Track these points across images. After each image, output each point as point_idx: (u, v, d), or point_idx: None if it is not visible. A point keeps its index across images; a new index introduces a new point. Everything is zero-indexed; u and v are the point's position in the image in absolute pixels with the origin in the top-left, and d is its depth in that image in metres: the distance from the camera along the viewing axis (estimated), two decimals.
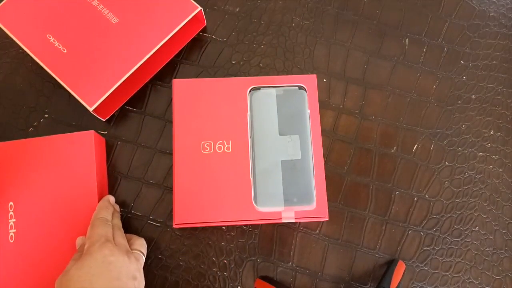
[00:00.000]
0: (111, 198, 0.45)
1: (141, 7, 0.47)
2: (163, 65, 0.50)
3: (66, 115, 0.49)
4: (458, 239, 0.48)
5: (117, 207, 0.45)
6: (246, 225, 0.46)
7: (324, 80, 0.51)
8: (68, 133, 0.45)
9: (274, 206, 0.42)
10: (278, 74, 0.51)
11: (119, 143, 0.49)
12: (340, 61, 0.52)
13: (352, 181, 0.49)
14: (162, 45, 0.46)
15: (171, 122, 0.49)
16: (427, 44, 0.53)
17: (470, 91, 0.52)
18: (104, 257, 0.35)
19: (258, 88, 0.46)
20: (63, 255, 0.42)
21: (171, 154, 0.48)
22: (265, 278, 0.45)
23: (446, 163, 0.50)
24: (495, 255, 0.48)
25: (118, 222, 0.42)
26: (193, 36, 0.52)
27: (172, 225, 0.44)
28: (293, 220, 0.42)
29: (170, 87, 0.50)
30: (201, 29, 0.52)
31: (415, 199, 0.48)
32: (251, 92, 0.46)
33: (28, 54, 0.45)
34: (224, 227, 0.47)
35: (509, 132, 0.51)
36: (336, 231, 0.47)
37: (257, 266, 0.46)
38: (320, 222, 0.47)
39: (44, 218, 0.43)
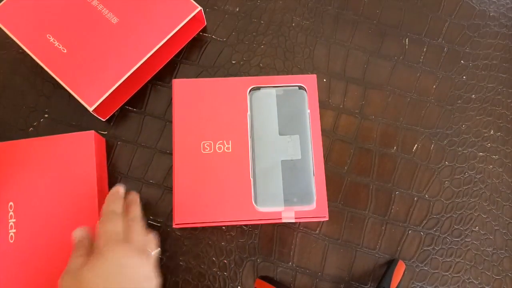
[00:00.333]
0: (120, 189, 0.42)
1: (141, 7, 0.47)
2: (163, 65, 0.51)
3: (66, 115, 0.49)
4: (458, 239, 0.48)
5: (136, 196, 0.43)
6: (246, 225, 0.46)
7: (324, 80, 0.51)
8: (68, 133, 0.45)
9: (274, 206, 0.42)
10: (278, 74, 0.51)
11: (119, 143, 0.49)
12: (340, 61, 0.52)
13: (352, 181, 0.49)
14: (162, 45, 0.46)
15: (171, 122, 0.49)
16: (427, 44, 0.53)
17: (470, 91, 0.52)
18: (118, 259, 0.34)
19: (258, 88, 0.46)
20: (63, 255, 0.42)
21: (171, 154, 0.48)
22: (265, 278, 0.45)
23: (446, 163, 0.50)
24: (495, 255, 0.48)
25: (136, 214, 0.40)
26: (193, 36, 0.52)
27: (172, 225, 0.44)
28: (293, 220, 0.42)
29: (170, 87, 0.50)
30: (201, 29, 0.52)
31: (415, 199, 0.48)
32: (251, 92, 0.46)
33: (28, 54, 0.45)
34: (224, 227, 0.47)
35: (509, 132, 0.51)
36: (336, 231, 0.47)
37: (257, 266, 0.46)
38: (320, 222, 0.47)
39: (44, 218, 0.43)
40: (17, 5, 0.46)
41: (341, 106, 0.51)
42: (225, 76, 0.51)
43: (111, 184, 0.47)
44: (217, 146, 0.43)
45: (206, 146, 0.43)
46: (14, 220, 0.43)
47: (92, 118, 0.48)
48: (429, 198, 0.49)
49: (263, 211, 0.42)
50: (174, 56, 0.51)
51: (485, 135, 0.51)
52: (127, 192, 0.43)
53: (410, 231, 0.48)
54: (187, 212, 0.42)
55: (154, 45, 0.46)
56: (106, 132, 0.49)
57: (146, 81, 0.50)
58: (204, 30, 0.52)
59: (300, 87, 0.46)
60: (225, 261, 0.46)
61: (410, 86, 0.52)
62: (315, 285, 0.46)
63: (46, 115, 0.49)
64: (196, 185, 0.42)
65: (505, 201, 0.49)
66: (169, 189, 0.47)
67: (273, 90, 0.46)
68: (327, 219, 0.43)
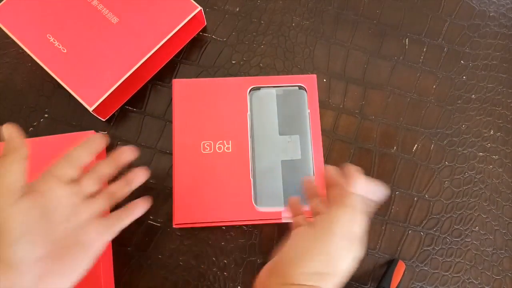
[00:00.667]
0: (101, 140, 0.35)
1: (141, 7, 0.47)
2: (163, 65, 0.50)
3: (66, 115, 0.49)
4: (458, 239, 0.48)
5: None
6: (246, 225, 0.46)
7: (324, 80, 0.51)
8: (68, 133, 0.45)
9: (274, 206, 0.42)
10: (278, 74, 0.51)
11: (119, 143, 0.49)
12: (340, 61, 0.52)
13: None
14: (162, 45, 0.46)
15: (171, 122, 0.49)
16: (427, 44, 0.53)
17: (470, 91, 0.52)
18: None
19: (258, 88, 0.46)
20: None
21: (171, 154, 0.48)
22: None
23: (446, 163, 0.50)
24: (495, 255, 0.48)
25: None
26: (193, 36, 0.52)
27: (172, 225, 0.44)
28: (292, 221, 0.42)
29: (170, 87, 0.50)
30: (201, 29, 0.52)
31: (415, 199, 0.48)
32: (251, 92, 0.46)
33: (28, 54, 0.45)
34: (224, 227, 0.46)
35: (509, 132, 0.51)
36: None
37: (257, 266, 0.46)
38: None
39: None
40: (17, 5, 0.46)
41: (341, 106, 0.51)
42: (225, 76, 0.51)
43: None
44: (217, 146, 0.43)
45: (206, 146, 0.43)
46: None
47: (92, 118, 0.48)
48: (429, 198, 0.49)
49: (263, 211, 0.42)
50: (174, 56, 0.51)
51: (485, 135, 0.51)
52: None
53: (410, 231, 0.48)
54: (187, 212, 0.42)
55: (154, 45, 0.46)
56: (106, 132, 0.49)
57: (146, 81, 0.50)
58: (204, 30, 0.52)
59: (300, 87, 0.46)
60: (225, 261, 0.46)
61: (410, 86, 0.52)
62: None
63: (46, 115, 0.49)
64: (196, 185, 0.42)
65: (505, 201, 0.49)
66: (169, 189, 0.47)
67: (273, 90, 0.46)
68: None
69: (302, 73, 0.51)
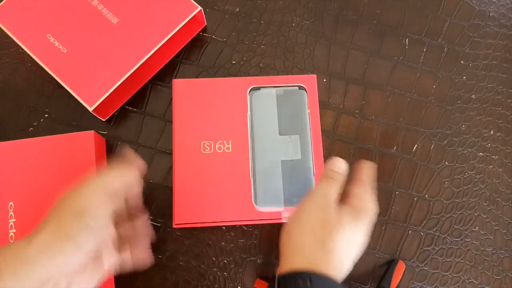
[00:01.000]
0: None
1: (141, 7, 0.47)
2: (163, 65, 0.51)
3: (66, 115, 0.49)
4: (458, 239, 0.48)
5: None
6: (246, 225, 0.46)
7: (324, 80, 0.51)
8: (68, 133, 0.45)
9: (274, 206, 0.42)
10: (278, 74, 0.51)
11: (119, 143, 0.49)
12: (340, 61, 0.52)
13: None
14: (162, 45, 0.46)
15: (171, 122, 0.49)
16: (427, 44, 0.53)
17: (470, 91, 0.52)
18: None
19: (258, 88, 0.46)
20: None
21: (171, 154, 0.48)
22: (265, 278, 0.45)
23: (446, 163, 0.50)
24: (495, 255, 0.48)
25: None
26: (193, 36, 0.52)
27: (172, 225, 0.44)
28: None
29: (170, 87, 0.50)
30: (201, 29, 0.52)
31: (415, 199, 0.48)
32: (251, 92, 0.46)
33: (28, 54, 0.45)
34: (224, 227, 0.46)
35: (509, 132, 0.51)
36: None
37: (257, 266, 0.46)
38: None
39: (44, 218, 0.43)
40: (17, 5, 0.46)
41: (341, 106, 0.51)
42: (225, 76, 0.50)
43: None
44: (217, 146, 0.43)
45: (206, 146, 0.43)
46: (14, 220, 0.43)
47: (92, 118, 0.48)
48: (429, 198, 0.49)
49: (263, 211, 0.42)
50: (174, 56, 0.51)
51: (485, 135, 0.51)
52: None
53: (410, 231, 0.48)
54: (187, 212, 0.42)
55: (154, 45, 0.46)
56: (106, 132, 0.49)
57: (146, 81, 0.50)
58: (204, 30, 0.52)
59: (300, 87, 0.46)
60: (225, 261, 0.46)
61: (410, 86, 0.52)
62: None
63: (46, 115, 0.49)
64: (196, 185, 0.42)
65: (505, 201, 0.49)
66: (169, 189, 0.47)
67: (273, 90, 0.46)
68: None
69: (302, 73, 0.51)
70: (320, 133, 0.45)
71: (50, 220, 0.29)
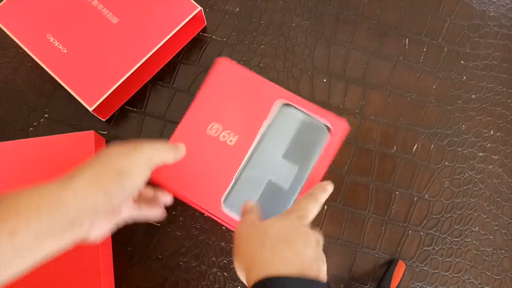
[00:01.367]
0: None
1: (141, 7, 0.47)
2: (163, 65, 0.50)
3: (66, 115, 0.49)
4: (458, 239, 0.48)
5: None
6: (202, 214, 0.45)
7: (324, 80, 0.51)
8: (68, 133, 0.45)
9: (236, 214, 0.41)
10: (278, 74, 0.51)
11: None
12: (340, 61, 0.52)
13: (352, 181, 0.49)
14: (162, 45, 0.46)
15: (171, 122, 0.49)
16: (427, 44, 0.53)
17: (470, 91, 0.52)
18: None
19: (288, 105, 0.44)
20: (63, 255, 0.42)
21: None
22: None
23: (446, 163, 0.50)
24: (495, 255, 0.48)
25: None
26: (193, 36, 0.52)
27: (172, 225, 0.44)
28: None
29: (170, 87, 0.50)
30: (201, 29, 0.52)
31: (415, 199, 0.48)
32: (279, 105, 0.44)
33: (28, 54, 0.45)
34: (224, 228, 0.47)
35: (509, 132, 0.51)
36: (336, 231, 0.47)
37: None
38: (320, 221, 0.47)
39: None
40: (17, 5, 0.46)
41: (341, 106, 0.51)
42: None
43: None
44: (222, 133, 0.43)
45: (213, 128, 0.43)
46: None
47: (92, 118, 0.48)
48: (429, 198, 0.49)
49: (225, 212, 0.41)
50: (174, 56, 0.51)
51: (485, 135, 0.51)
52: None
53: (410, 231, 0.48)
54: (164, 171, 0.41)
55: (154, 45, 0.46)
56: (106, 132, 0.49)
57: (146, 81, 0.50)
58: (204, 30, 0.52)
59: (327, 127, 0.44)
60: (225, 261, 0.46)
61: (410, 86, 0.52)
62: None
63: (46, 115, 0.49)
64: (186, 154, 0.42)
65: (505, 201, 0.49)
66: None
67: (300, 115, 0.44)
68: None
69: (302, 73, 0.51)
70: (323, 175, 0.43)
71: (90, 169, 0.32)
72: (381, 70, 0.52)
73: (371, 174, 0.49)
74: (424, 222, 0.48)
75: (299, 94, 0.46)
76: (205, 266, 0.46)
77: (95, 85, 0.44)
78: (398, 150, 0.50)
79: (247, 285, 0.32)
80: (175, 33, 0.46)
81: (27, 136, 0.48)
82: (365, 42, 0.53)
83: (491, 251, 0.48)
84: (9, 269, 0.27)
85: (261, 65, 0.51)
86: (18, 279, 0.42)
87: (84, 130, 0.45)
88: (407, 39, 0.53)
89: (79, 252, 0.42)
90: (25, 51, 0.45)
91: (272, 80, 0.45)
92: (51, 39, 0.46)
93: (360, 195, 0.48)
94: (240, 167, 0.42)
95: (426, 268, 0.47)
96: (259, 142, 0.43)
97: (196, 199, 0.41)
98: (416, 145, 0.50)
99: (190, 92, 0.50)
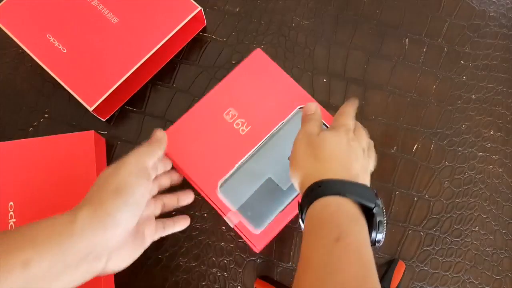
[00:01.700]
0: (159, 134, 0.38)
1: (141, 7, 0.47)
2: (163, 65, 0.50)
3: (66, 115, 0.49)
4: (458, 239, 0.48)
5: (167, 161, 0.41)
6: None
7: (324, 80, 0.51)
8: (68, 133, 0.45)
9: (229, 202, 0.41)
10: None
11: (119, 143, 0.49)
12: (340, 61, 0.52)
13: None
14: (162, 45, 0.46)
15: (171, 122, 0.49)
16: (427, 44, 0.53)
17: (470, 91, 0.52)
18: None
19: None
20: None
21: None
22: (265, 278, 0.45)
23: (446, 163, 0.50)
24: (495, 255, 0.48)
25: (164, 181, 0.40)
26: (193, 36, 0.52)
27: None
28: (231, 225, 0.41)
29: (170, 87, 0.50)
30: (201, 29, 0.52)
31: (415, 199, 0.48)
32: (298, 107, 0.44)
33: (28, 54, 0.45)
34: (224, 228, 0.47)
35: (509, 132, 0.51)
36: None
37: (257, 266, 0.46)
38: None
39: (44, 218, 0.43)
40: (17, 5, 0.46)
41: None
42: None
43: None
44: (237, 121, 0.43)
45: (230, 114, 0.43)
46: (14, 220, 0.43)
47: (92, 118, 0.48)
48: (429, 198, 0.49)
49: (219, 196, 0.41)
50: (174, 56, 0.51)
51: (485, 135, 0.51)
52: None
53: (410, 231, 0.48)
54: (174, 142, 0.41)
55: (154, 45, 0.46)
56: (106, 132, 0.49)
57: (146, 81, 0.50)
58: (204, 30, 0.52)
59: None
60: (225, 261, 0.46)
61: (410, 86, 0.52)
62: None
63: (46, 115, 0.49)
64: (195, 130, 0.43)
65: (505, 201, 0.49)
66: (170, 189, 0.47)
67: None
68: (257, 252, 0.41)
69: (302, 73, 0.51)
70: None
71: (92, 197, 0.31)
72: (381, 70, 0.52)
73: (371, 174, 0.49)
74: (424, 222, 0.48)
75: None
76: (205, 266, 0.46)
77: (95, 85, 0.44)
78: (398, 150, 0.50)
79: (299, 191, 0.35)
80: (175, 33, 0.46)
81: (27, 136, 0.48)
82: (365, 42, 0.53)
83: (491, 251, 0.48)
84: None
85: None
86: None
87: (84, 130, 0.45)
88: (407, 39, 0.53)
89: None
90: (25, 51, 0.45)
91: None
92: (51, 39, 0.46)
93: None
94: (244, 158, 0.42)
95: (426, 268, 0.47)
96: (270, 138, 0.43)
97: (194, 177, 0.41)
98: (416, 145, 0.50)
99: (190, 92, 0.50)
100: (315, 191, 0.32)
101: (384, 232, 0.32)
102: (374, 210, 0.31)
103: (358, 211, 0.31)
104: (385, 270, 0.46)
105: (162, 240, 0.46)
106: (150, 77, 0.50)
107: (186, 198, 0.41)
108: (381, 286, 0.43)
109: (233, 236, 0.46)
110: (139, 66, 0.45)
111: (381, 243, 0.32)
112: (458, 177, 0.49)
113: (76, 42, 0.46)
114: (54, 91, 0.50)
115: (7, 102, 0.50)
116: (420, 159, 0.50)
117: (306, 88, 0.51)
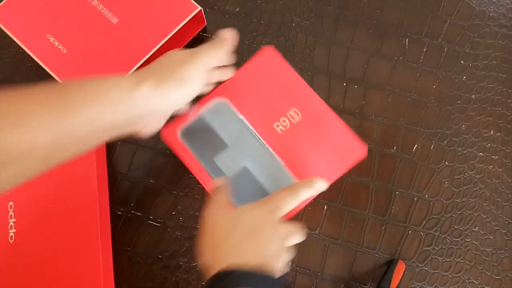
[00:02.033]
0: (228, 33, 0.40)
1: (141, 7, 0.47)
2: None
3: None
4: (458, 239, 0.48)
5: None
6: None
7: (324, 80, 0.51)
8: None
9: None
10: None
11: (119, 143, 0.49)
12: (340, 61, 0.52)
13: (352, 181, 0.49)
14: (162, 45, 0.46)
15: (171, 120, 0.49)
16: (427, 44, 0.53)
17: (470, 91, 0.52)
18: None
19: None
20: (63, 255, 0.42)
21: (171, 154, 0.48)
22: None
23: (446, 163, 0.50)
24: (495, 255, 0.48)
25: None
26: (193, 36, 0.52)
27: (172, 225, 0.44)
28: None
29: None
30: (201, 29, 0.52)
31: (415, 199, 0.48)
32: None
33: (28, 54, 0.45)
34: None
35: (509, 132, 0.51)
36: (336, 231, 0.47)
37: None
38: (320, 222, 0.47)
39: (44, 218, 0.43)
40: (17, 5, 0.46)
41: (341, 106, 0.51)
42: None
43: (111, 184, 0.47)
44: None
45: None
46: (14, 220, 0.43)
47: None
48: (429, 198, 0.49)
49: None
50: None
51: (485, 135, 0.51)
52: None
53: (410, 231, 0.48)
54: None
55: (154, 45, 0.45)
56: None
57: None
58: (204, 30, 0.52)
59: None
60: None
61: (410, 86, 0.52)
62: (315, 285, 0.46)
63: None
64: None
65: (505, 201, 0.49)
66: (169, 189, 0.47)
67: None
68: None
69: (302, 73, 0.51)
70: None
71: (155, 76, 0.34)
72: (381, 70, 0.52)
73: (371, 174, 0.49)
74: (424, 222, 0.48)
75: None
76: None
77: None
78: (398, 150, 0.50)
79: (205, 271, 0.33)
80: (175, 33, 0.46)
81: None
82: (365, 42, 0.53)
83: (491, 251, 0.48)
84: (75, 148, 0.31)
85: None
86: (19, 279, 0.42)
87: None
88: (407, 39, 0.53)
89: (79, 252, 0.42)
90: (25, 51, 0.45)
91: None
92: (51, 39, 0.46)
93: (360, 195, 0.48)
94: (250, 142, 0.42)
95: (426, 268, 0.47)
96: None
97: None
98: (416, 145, 0.50)
99: None
100: (223, 282, 0.30)
101: None
102: None
103: None
104: (385, 270, 0.46)
105: (162, 240, 0.46)
106: None
107: (228, 73, 0.43)
108: (381, 286, 0.43)
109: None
110: (139, 66, 0.45)
111: None
112: (458, 177, 0.49)
113: (76, 42, 0.46)
114: None
115: None
116: (420, 159, 0.50)
117: None
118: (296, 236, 0.35)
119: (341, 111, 0.50)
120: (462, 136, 0.50)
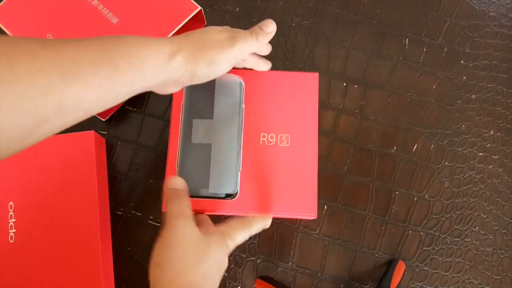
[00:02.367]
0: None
1: (141, 7, 0.47)
2: None
3: None
4: (458, 239, 0.48)
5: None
6: None
7: (324, 80, 0.51)
8: (68, 133, 0.45)
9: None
10: None
11: (119, 143, 0.49)
12: (340, 61, 0.52)
13: (352, 181, 0.49)
14: None
15: None
16: (427, 44, 0.53)
17: (470, 91, 0.52)
18: None
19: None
20: (63, 255, 0.42)
21: None
22: (265, 278, 0.45)
23: (446, 163, 0.50)
24: (495, 255, 0.48)
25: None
26: None
27: None
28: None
29: None
30: None
31: (415, 199, 0.49)
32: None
33: None
34: None
35: (509, 132, 0.51)
36: (336, 231, 0.47)
37: (257, 266, 0.46)
38: (320, 222, 0.47)
39: (44, 218, 0.43)
40: (17, 5, 0.46)
41: (341, 106, 0.51)
42: None
43: (111, 184, 0.47)
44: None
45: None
46: (14, 220, 0.43)
47: (92, 118, 0.48)
48: (429, 198, 0.49)
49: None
50: None
51: (485, 135, 0.51)
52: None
53: (410, 231, 0.48)
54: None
55: None
56: (106, 132, 0.49)
57: None
58: None
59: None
60: None
61: (410, 86, 0.52)
62: (315, 285, 0.46)
63: None
64: None
65: (505, 201, 0.49)
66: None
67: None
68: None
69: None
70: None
71: (189, 49, 0.35)
72: (381, 70, 0.52)
73: (371, 174, 0.49)
74: (424, 222, 0.48)
75: None
76: None
77: None
78: (398, 150, 0.50)
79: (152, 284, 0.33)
80: (175, 33, 0.46)
81: None
82: (365, 42, 0.53)
83: (491, 251, 0.48)
84: (108, 105, 0.33)
85: None
86: (19, 279, 0.42)
87: (84, 130, 0.45)
88: (407, 39, 0.53)
89: (79, 252, 0.42)
90: None
91: None
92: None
93: (360, 195, 0.48)
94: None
95: (426, 268, 0.47)
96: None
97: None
98: (416, 145, 0.50)
99: None
100: None
101: None
102: None
103: None
104: (385, 270, 0.46)
105: None
106: None
107: (266, 65, 0.44)
108: (381, 286, 0.43)
109: None
110: None
111: None
112: (458, 177, 0.49)
113: None
114: None
115: None
116: (420, 159, 0.50)
117: None
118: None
119: (341, 111, 0.50)
120: (462, 136, 0.50)
